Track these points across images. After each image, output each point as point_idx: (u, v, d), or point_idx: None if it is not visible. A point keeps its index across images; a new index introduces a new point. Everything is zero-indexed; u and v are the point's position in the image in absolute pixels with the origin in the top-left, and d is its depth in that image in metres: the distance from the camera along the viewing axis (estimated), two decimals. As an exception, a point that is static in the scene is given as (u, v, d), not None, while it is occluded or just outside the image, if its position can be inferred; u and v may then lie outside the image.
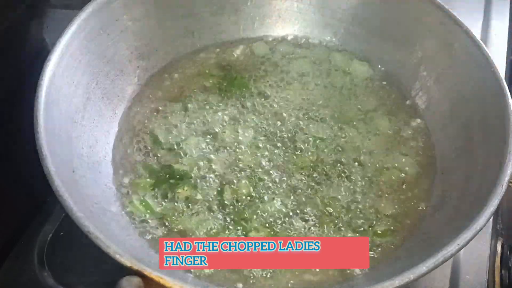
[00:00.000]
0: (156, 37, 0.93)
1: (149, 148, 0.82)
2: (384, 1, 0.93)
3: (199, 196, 0.76)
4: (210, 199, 0.76)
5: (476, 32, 0.99)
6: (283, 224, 0.74)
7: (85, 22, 0.79)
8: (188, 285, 0.57)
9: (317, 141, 0.83)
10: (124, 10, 0.86)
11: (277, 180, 0.79)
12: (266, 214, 0.75)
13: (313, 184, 0.78)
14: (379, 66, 0.95)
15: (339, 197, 0.77)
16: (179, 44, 0.96)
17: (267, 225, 0.74)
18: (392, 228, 0.75)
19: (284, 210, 0.75)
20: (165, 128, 0.84)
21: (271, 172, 0.79)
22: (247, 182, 0.78)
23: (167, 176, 0.79)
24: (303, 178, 0.79)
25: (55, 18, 0.90)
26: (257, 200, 0.76)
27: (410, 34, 0.92)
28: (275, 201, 0.76)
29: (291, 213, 0.75)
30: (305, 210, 0.75)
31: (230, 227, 0.73)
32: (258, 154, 0.82)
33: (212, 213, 0.75)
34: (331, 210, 0.76)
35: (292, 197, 0.77)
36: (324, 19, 0.99)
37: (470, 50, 0.81)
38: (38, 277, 0.74)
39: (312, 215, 0.75)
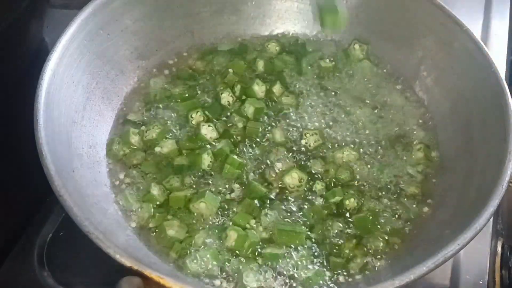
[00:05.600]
0: (156, 37, 0.93)
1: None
2: (384, 1, 0.93)
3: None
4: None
5: (476, 32, 0.99)
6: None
7: (85, 22, 0.79)
8: (188, 285, 0.57)
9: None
10: (124, 10, 0.86)
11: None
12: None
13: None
14: (379, 66, 0.95)
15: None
16: (179, 44, 0.96)
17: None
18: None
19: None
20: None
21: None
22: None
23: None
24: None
25: (55, 18, 0.91)
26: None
27: (410, 34, 0.92)
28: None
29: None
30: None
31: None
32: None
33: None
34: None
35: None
36: (324, 19, 0.99)
37: (470, 50, 0.81)
38: (38, 277, 0.74)
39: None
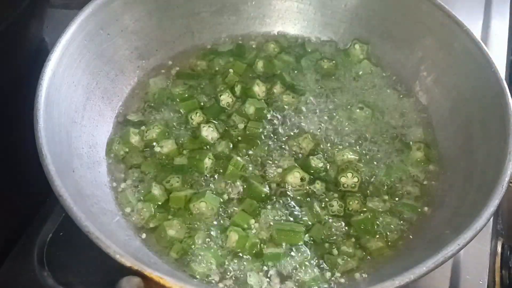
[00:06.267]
0: (156, 37, 0.93)
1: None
2: (384, 1, 0.93)
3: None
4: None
5: (476, 32, 0.99)
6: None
7: (85, 22, 0.79)
8: (188, 285, 0.57)
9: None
10: (124, 10, 0.86)
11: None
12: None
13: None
14: (379, 66, 0.95)
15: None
16: (179, 44, 0.96)
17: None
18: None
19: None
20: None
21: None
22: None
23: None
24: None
25: (55, 18, 0.91)
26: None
27: (410, 34, 0.92)
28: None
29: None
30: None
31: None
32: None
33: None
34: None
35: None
36: (324, 19, 0.99)
37: (470, 50, 0.81)
38: (38, 277, 0.74)
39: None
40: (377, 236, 0.74)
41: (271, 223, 0.74)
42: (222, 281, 0.69)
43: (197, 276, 0.69)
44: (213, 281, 0.69)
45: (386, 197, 0.78)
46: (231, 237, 0.72)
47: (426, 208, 0.77)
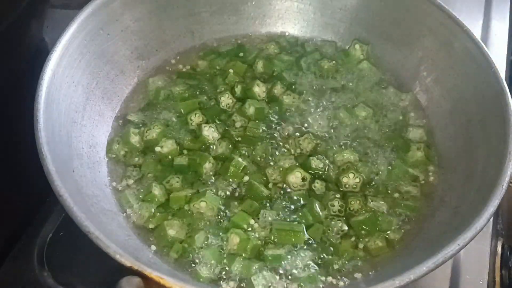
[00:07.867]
0: (156, 37, 0.93)
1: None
2: (384, 2, 0.93)
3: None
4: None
5: (476, 32, 0.99)
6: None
7: (85, 22, 0.79)
8: (188, 285, 0.57)
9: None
10: (124, 10, 0.86)
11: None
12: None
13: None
14: (379, 66, 0.95)
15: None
16: (179, 44, 0.96)
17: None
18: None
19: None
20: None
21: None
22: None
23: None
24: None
25: (55, 18, 0.91)
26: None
27: (410, 34, 0.92)
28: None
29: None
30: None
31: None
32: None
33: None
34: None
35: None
36: (324, 19, 0.99)
37: (470, 50, 0.81)
38: (38, 277, 0.74)
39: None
40: (377, 236, 0.74)
41: (272, 223, 0.74)
42: (223, 282, 0.69)
43: (198, 276, 0.69)
44: (214, 282, 0.69)
45: (386, 197, 0.78)
46: (232, 240, 0.71)
47: (426, 208, 0.77)
